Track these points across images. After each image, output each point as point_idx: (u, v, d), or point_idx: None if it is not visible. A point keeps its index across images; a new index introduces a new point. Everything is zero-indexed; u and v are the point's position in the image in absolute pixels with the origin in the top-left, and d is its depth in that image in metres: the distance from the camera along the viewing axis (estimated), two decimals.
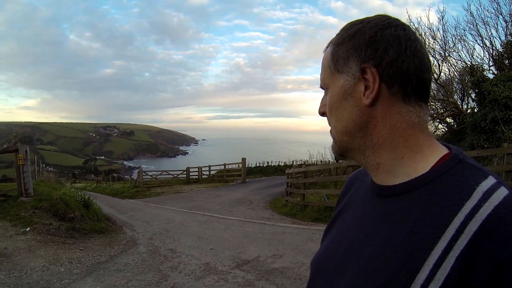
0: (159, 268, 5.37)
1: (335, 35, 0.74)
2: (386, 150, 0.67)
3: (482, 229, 0.53)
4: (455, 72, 14.61)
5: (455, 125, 14.67)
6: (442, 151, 0.66)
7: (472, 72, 11.75)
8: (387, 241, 0.62)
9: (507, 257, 0.51)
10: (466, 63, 13.59)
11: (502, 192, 0.56)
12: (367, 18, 0.70)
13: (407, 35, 0.66)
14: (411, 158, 0.65)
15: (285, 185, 13.01)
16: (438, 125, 16.28)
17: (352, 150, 0.72)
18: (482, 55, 13.43)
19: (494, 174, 0.60)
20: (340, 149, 0.74)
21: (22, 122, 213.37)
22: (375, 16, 0.70)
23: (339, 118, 0.70)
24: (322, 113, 0.77)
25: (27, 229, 6.38)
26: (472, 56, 13.58)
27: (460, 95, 15.13)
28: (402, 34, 0.65)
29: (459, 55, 14.03)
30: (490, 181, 0.58)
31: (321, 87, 0.77)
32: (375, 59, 0.65)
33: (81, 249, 6.24)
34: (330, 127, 0.76)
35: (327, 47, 0.75)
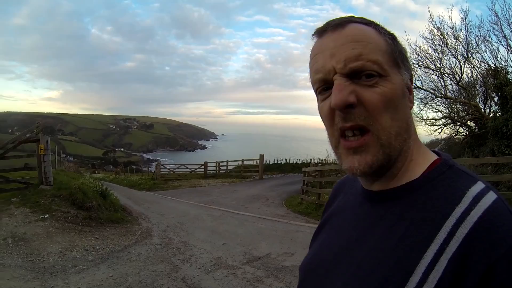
0: (171, 260, 5.45)
1: (364, 20, 0.66)
2: (408, 154, 0.67)
3: (472, 232, 0.54)
4: (478, 74, 14.03)
5: (477, 129, 14.27)
6: (432, 157, 0.67)
7: (496, 74, 11.36)
8: (380, 245, 0.63)
9: (497, 258, 0.51)
10: (489, 65, 13.00)
11: (491, 196, 0.57)
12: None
13: None
14: (415, 161, 0.67)
15: (302, 183, 12.96)
16: (458, 128, 15.87)
17: (391, 160, 0.64)
18: (506, 57, 12.77)
19: (483, 179, 0.62)
20: (385, 161, 0.63)
21: (44, 113, 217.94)
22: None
23: (396, 116, 0.63)
24: (350, 104, 0.61)
25: (45, 216, 6.57)
26: (496, 58, 12.90)
27: (483, 98, 14.60)
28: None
29: (483, 57, 13.38)
30: (479, 186, 0.59)
31: (361, 71, 0.62)
32: (410, 69, 0.69)
33: (97, 238, 6.39)
34: (365, 130, 0.62)
35: (350, 21, 0.65)
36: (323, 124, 0.68)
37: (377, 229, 0.65)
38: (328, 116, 0.65)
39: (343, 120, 0.62)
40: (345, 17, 0.67)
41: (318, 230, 0.88)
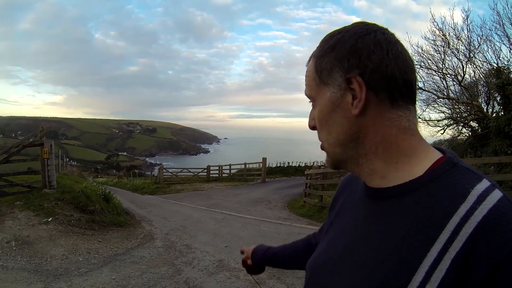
0: (173, 263, 5.47)
1: (316, 48, 0.73)
2: (379, 157, 0.66)
3: (477, 231, 0.53)
4: (480, 74, 14.03)
5: (479, 130, 14.26)
6: (436, 155, 0.66)
7: (498, 74, 11.36)
8: (383, 243, 0.62)
9: (502, 259, 0.51)
10: (491, 65, 13.04)
11: (496, 194, 0.56)
12: (346, 27, 0.70)
13: (387, 39, 0.65)
14: (406, 163, 0.65)
15: (304, 186, 12.94)
16: (461, 129, 15.84)
17: (346, 161, 0.71)
18: (509, 57, 12.75)
19: (488, 177, 0.61)
20: (334, 162, 0.73)
21: (48, 117, 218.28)
22: (353, 24, 0.69)
23: (330, 131, 0.70)
24: (312, 127, 0.76)
25: (49, 219, 6.61)
26: (498, 58, 12.91)
27: (485, 98, 14.60)
28: (382, 38, 0.65)
29: (485, 57, 13.40)
30: (484, 184, 0.58)
31: (310, 101, 0.76)
32: (359, 67, 0.64)
33: (100, 241, 6.42)
34: (321, 142, 0.75)
35: (309, 60, 0.74)
36: None
37: (380, 227, 0.65)
38: None
39: None
40: (313, 52, 0.75)
41: (327, 228, 0.87)
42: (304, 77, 0.76)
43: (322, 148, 0.75)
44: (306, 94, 0.75)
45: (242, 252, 1.38)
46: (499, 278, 0.51)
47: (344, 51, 0.66)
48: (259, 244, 1.34)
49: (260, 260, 1.29)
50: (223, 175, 24.78)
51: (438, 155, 0.66)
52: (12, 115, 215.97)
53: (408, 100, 0.66)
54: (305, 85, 0.75)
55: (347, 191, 0.85)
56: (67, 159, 33.92)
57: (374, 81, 0.64)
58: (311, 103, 0.75)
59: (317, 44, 0.73)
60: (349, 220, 0.76)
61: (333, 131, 0.69)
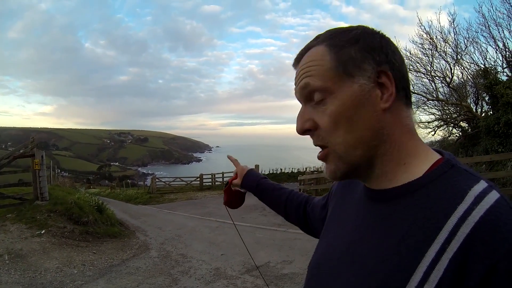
0: (170, 272, 5.42)
1: (323, 37, 0.69)
2: (393, 157, 0.66)
3: (474, 231, 0.54)
4: (468, 76, 14.36)
5: (469, 130, 14.52)
6: (435, 156, 0.67)
7: (485, 74, 11.57)
8: (382, 244, 0.63)
9: (498, 258, 0.51)
10: (479, 66, 13.35)
11: (494, 195, 0.57)
12: (353, 26, 0.69)
13: (393, 43, 0.68)
14: (410, 164, 0.66)
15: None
16: (452, 129, 16.07)
17: (361, 166, 0.67)
18: (495, 57, 13.09)
19: (486, 178, 0.61)
20: (349, 168, 0.67)
21: (38, 128, 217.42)
22: (359, 25, 0.69)
23: (351, 129, 0.64)
24: (304, 131, 0.69)
25: (42, 232, 6.52)
26: (485, 59, 13.27)
27: (474, 98, 14.89)
28: (391, 42, 0.68)
29: (472, 58, 13.77)
30: (482, 185, 0.59)
31: (313, 96, 0.68)
32: (389, 63, 0.64)
33: (94, 252, 6.34)
34: (325, 147, 0.68)
35: (307, 49, 0.71)
36: None
37: (379, 228, 0.65)
38: None
39: (313, 140, 0.70)
40: (309, 42, 0.72)
41: (325, 227, 0.86)
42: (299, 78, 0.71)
43: (323, 157, 0.69)
44: (312, 86, 0.67)
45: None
46: (496, 278, 0.52)
47: (372, 44, 0.65)
48: (254, 170, 1.36)
49: (253, 187, 1.30)
50: (216, 183, 24.64)
51: (437, 156, 0.67)
52: (2, 126, 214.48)
53: (411, 101, 0.69)
54: (309, 76, 0.67)
55: (347, 189, 0.85)
56: (59, 170, 33.62)
57: (397, 79, 0.65)
58: (320, 100, 0.67)
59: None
60: (348, 220, 0.76)
61: (357, 128, 0.64)
